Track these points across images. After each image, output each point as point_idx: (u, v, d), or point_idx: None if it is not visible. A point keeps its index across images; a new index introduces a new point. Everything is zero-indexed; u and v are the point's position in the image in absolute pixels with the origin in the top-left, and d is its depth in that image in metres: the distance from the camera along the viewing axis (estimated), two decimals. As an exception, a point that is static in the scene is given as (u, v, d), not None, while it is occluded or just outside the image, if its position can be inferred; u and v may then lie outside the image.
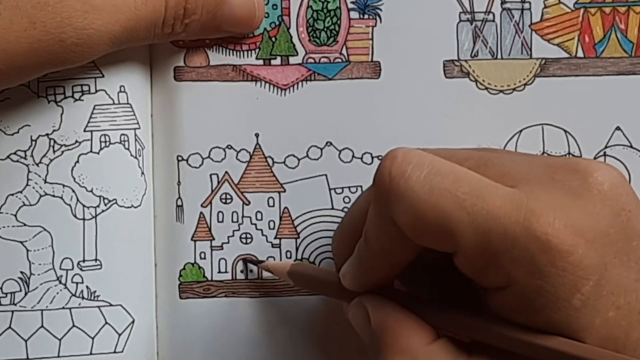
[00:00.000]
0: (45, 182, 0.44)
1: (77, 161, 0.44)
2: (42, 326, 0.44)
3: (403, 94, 0.46)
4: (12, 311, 0.44)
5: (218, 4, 0.43)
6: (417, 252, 0.37)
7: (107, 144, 0.45)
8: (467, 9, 0.46)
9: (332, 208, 0.46)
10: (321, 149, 0.46)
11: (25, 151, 0.44)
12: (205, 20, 0.44)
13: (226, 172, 0.46)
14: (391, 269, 0.39)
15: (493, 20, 0.46)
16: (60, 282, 0.44)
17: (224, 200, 0.46)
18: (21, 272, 0.44)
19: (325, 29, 0.46)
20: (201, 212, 0.46)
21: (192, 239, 0.46)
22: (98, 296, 0.44)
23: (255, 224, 0.46)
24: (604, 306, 0.34)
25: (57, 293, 0.44)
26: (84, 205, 0.44)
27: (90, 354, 0.44)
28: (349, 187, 0.46)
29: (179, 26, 0.43)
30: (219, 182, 0.46)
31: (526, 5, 0.46)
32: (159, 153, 0.46)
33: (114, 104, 0.45)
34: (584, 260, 0.34)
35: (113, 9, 0.41)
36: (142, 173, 0.45)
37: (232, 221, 0.46)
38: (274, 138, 0.46)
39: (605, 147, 0.46)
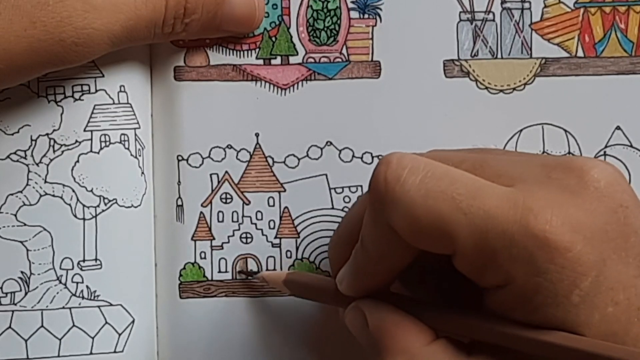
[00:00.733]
0: (45, 181, 0.44)
1: (77, 161, 0.44)
2: (42, 326, 0.44)
3: (403, 93, 0.46)
4: (12, 311, 0.44)
5: (218, 3, 0.43)
6: (414, 255, 0.37)
7: (107, 143, 0.45)
8: (467, 9, 0.46)
9: (332, 208, 0.46)
10: (321, 149, 0.46)
11: (25, 151, 0.44)
12: (205, 20, 0.44)
13: (226, 172, 0.46)
14: (388, 273, 0.39)
15: (493, 20, 0.46)
16: (60, 282, 0.44)
17: (224, 200, 0.46)
18: (21, 272, 0.44)
19: (325, 29, 0.46)
20: (201, 212, 0.46)
21: (192, 239, 0.46)
22: (98, 296, 0.44)
23: (256, 224, 0.46)
24: (603, 302, 0.34)
25: (57, 293, 0.44)
26: (84, 205, 0.44)
27: (90, 353, 0.44)
28: (349, 187, 0.46)
29: (179, 26, 0.43)
30: (219, 182, 0.46)
31: (526, 5, 0.46)
32: (159, 153, 0.46)
33: (114, 103, 0.45)
34: (582, 256, 0.34)
35: (113, 8, 0.41)
36: (142, 173, 0.45)
37: (232, 221, 0.46)
38: (274, 138, 0.46)
39: (606, 146, 0.46)
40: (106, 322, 0.44)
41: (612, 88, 0.46)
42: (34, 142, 0.44)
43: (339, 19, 0.46)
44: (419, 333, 0.37)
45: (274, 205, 0.46)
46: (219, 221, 0.46)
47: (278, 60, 0.46)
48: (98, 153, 0.45)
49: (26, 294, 0.44)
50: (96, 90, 0.45)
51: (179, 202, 0.46)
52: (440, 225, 0.35)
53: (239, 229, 0.46)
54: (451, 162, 0.38)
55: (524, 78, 0.46)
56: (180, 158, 0.46)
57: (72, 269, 0.44)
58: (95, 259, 0.44)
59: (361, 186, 0.46)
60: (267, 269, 0.46)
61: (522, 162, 0.38)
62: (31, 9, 0.40)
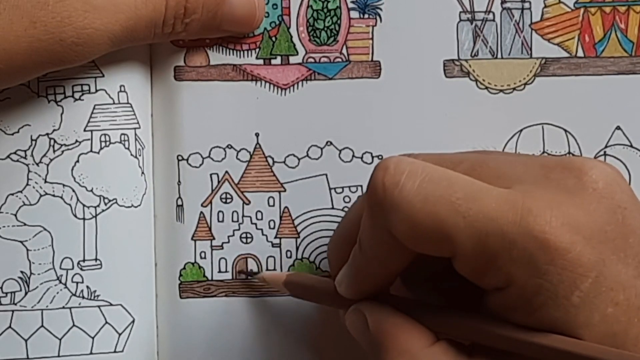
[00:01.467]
0: (46, 181, 0.44)
1: (77, 161, 0.44)
2: (42, 326, 0.44)
3: (403, 93, 0.46)
4: (12, 311, 0.44)
5: (218, 3, 0.43)
6: (413, 258, 0.37)
7: (107, 143, 0.45)
8: (467, 9, 0.46)
9: (333, 208, 0.46)
10: (321, 149, 0.46)
11: (25, 151, 0.44)
12: (205, 20, 0.44)
13: (226, 172, 0.46)
14: (387, 275, 0.39)
15: (493, 20, 0.46)
16: (60, 282, 0.44)
17: (224, 200, 0.46)
18: (21, 272, 0.44)
19: (325, 29, 0.46)
20: (201, 212, 0.46)
21: (192, 239, 0.46)
22: (98, 296, 0.44)
23: (256, 224, 0.46)
24: (603, 302, 0.34)
25: (57, 293, 0.44)
26: (84, 205, 0.44)
27: (91, 353, 0.44)
28: (349, 187, 0.46)
29: (179, 26, 0.43)
30: (219, 182, 0.46)
31: (526, 5, 0.46)
32: (159, 153, 0.46)
33: (114, 103, 0.45)
34: (582, 257, 0.34)
35: (113, 8, 0.41)
36: (142, 173, 0.45)
37: (233, 221, 0.46)
38: (274, 137, 0.46)
39: (606, 146, 0.46)
40: (106, 322, 0.44)
41: (612, 88, 0.46)
42: (34, 142, 0.44)
43: (339, 18, 0.46)
44: (420, 335, 0.37)
45: (274, 205, 0.46)
46: (219, 221, 0.46)
47: (278, 60, 0.46)
48: (98, 153, 0.45)
49: (26, 293, 0.44)
50: (96, 90, 0.45)
51: (179, 202, 0.46)
52: (439, 229, 0.35)
53: (239, 229, 0.46)
54: (450, 163, 0.38)
55: (524, 78, 0.46)
56: (180, 158, 0.46)
57: (72, 268, 0.44)
58: (95, 259, 0.44)
59: (361, 186, 0.46)
60: (267, 269, 0.46)
61: (520, 162, 0.37)
62: (31, 8, 0.40)
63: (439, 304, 0.39)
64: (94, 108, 0.45)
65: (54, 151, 0.44)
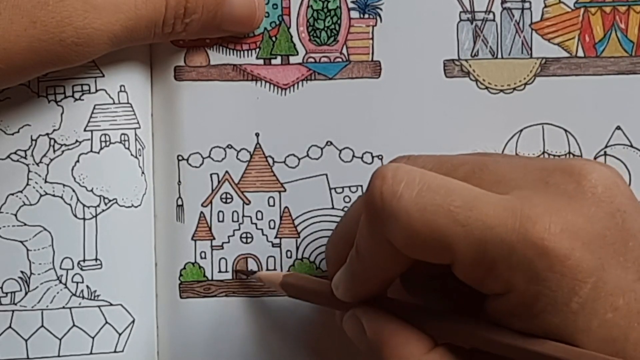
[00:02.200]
0: (46, 181, 0.44)
1: (78, 161, 0.44)
2: (42, 326, 0.44)
3: (403, 93, 0.46)
4: (13, 311, 0.44)
5: (218, 3, 0.43)
6: (410, 264, 0.37)
7: (108, 143, 0.45)
8: (467, 9, 0.46)
9: (333, 207, 0.46)
10: (321, 149, 0.46)
11: (25, 151, 0.44)
12: (205, 20, 0.43)
13: (226, 172, 0.46)
14: (384, 280, 0.39)
15: (493, 20, 0.46)
16: (60, 282, 0.44)
17: (224, 200, 0.46)
18: (21, 272, 0.44)
19: (325, 29, 0.46)
20: (201, 212, 0.46)
21: (192, 239, 0.46)
22: (98, 296, 0.44)
23: (256, 224, 0.46)
24: (602, 308, 0.34)
25: (58, 293, 0.44)
26: (84, 205, 0.44)
27: (91, 353, 0.44)
28: (349, 187, 0.46)
29: (179, 26, 0.43)
30: (219, 182, 0.46)
31: (526, 5, 0.46)
32: (159, 153, 0.46)
33: (114, 103, 0.45)
34: (581, 263, 0.34)
35: (113, 8, 0.41)
36: (143, 173, 0.45)
37: (233, 221, 0.46)
38: (274, 137, 0.46)
39: (606, 146, 0.46)
40: (106, 322, 0.44)
41: (612, 88, 0.46)
42: (34, 142, 0.44)
43: (339, 18, 0.46)
44: (418, 341, 0.37)
45: (274, 205, 0.46)
46: (219, 221, 0.46)
47: (278, 60, 0.46)
48: (98, 153, 0.45)
49: (26, 293, 0.44)
50: (96, 90, 0.45)
51: (179, 202, 0.46)
52: (438, 238, 0.35)
53: (239, 229, 0.46)
54: (450, 165, 0.38)
55: (524, 78, 0.46)
56: (180, 158, 0.46)
57: (72, 268, 0.44)
58: (96, 259, 0.44)
59: (361, 186, 0.46)
60: (267, 269, 0.46)
61: (521, 165, 0.37)
62: (31, 8, 0.40)
63: (437, 309, 0.39)
64: (94, 108, 0.45)
65: (54, 151, 0.44)
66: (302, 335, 0.46)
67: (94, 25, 0.41)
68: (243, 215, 0.46)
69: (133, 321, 0.45)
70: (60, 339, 0.44)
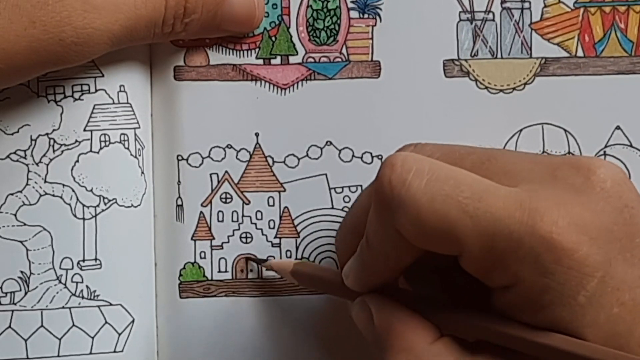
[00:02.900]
0: (45, 181, 0.44)
1: (77, 161, 0.44)
2: (42, 326, 0.44)
3: (403, 93, 0.46)
4: (12, 311, 0.44)
5: (218, 3, 0.43)
6: (420, 253, 0.37)
7: (107, 143, 0.45)
8: (467, 9, 0.46)
9: (332, 207, 0.46)
10: (321, 149, 0.46)
11: (25, 151, 0.44)
12: (205, 20, 0.43)
13: (226, 172, 0.46)
14: (394, 270, 0.39)
15: (493, 20, 0.46)
16: (60, 282, 0.44)
17: (224, 200, 0.46)
18: (21, 272, 0.44)
19: (325, 29, 0.46)
20: (201, 212, 0.46)
21: (192, 239, 0.46)
22: (98, 296, 0.44)
23: (255, 224, 0.46)
24: (609, 302, 0.35)
25: (57, 292, 0.44)
26: (83, 205, 0.44)
27: (90, 353, 0.44)
28: (349, 187, 0.46)
29: (179, 25, 0.43)
30: (219, 182, 0.46)
31: (526, 5, 0.46)
32: (159, 152, 0.46)
33: (113, 103, 0.45)
34: (588, 257, 0.34)
35: (113, 8, 0.41)
36: (142, 172, 0.45)
37: (232, 221, 0.46)
38: (274, 137, 0.46)
39: (605, 146, 0.46)
40: (106, 322, 0.44)
41: (612, 88, 0.46)
42: (33, 142, 0.44)
43: (338, 18, 0.46)
44: (424, 331, 0.37)
45: (273, 205, 0.46)
46: (218, 221, 0.46)
47: (278, 60, 0.46)
48: (98, 153, 0.44)
49: (26, 293, 0.44)
50: (96, 90, 0.45)
51: (179, 202, 0.46)
52: (446, 229, 0.35)
53: (238, 229, 0.46)
54: (458, 154, 0.38)
55: (524, 78, 0.46)
56: (180, 158, 0.46)
57: (72, 268, 0.44)
58: (95, 259, 0.44)
59: (361, 186, 0.46)
60: (267, 269, 0.46)
61: (528, 160, 0.37)
62: (31, 8, 0.40)
63: (444, 300, 0.39)
64: (93, 108, 0.45)
65: (54, 151, 0.44)
66: (302, 335, 0.46)
67: (94, 25, 0.41)
68: (243, 215, 0.46)
69: (133, 321, 0.45)
70: (59, 339, 0.44)
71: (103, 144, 0.45)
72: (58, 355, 0.44)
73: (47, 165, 0.44)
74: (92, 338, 0.44)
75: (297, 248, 0.46)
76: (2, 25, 0.39)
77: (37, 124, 0.44)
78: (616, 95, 0.46)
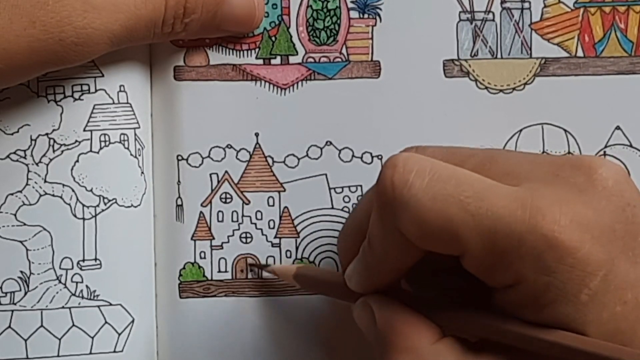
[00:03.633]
0: (45, 181, 0.44)
1: (77, 160, 0.44)
2: (41, 326, 0.44)
3: (403, 93, 0.46)
4: (12, 311, 0.44)
5: (218, 3, 0.43)
6: (422, 254, 0.37)
7: (107, 143, 0.45)
8: (467, 9, 0.46)
9: (332, 207, 0.46)
10: (321, 149, 0.46)
11: (25, 150, 0.44)
12: (205, 20, 0.44)
13: (226, 172, 0.46)
14: (396, 271, 0.39)
15: (493, 20, 0.46)
16: (60, 282, 0.44)
17: (223, 200, 0.46)
18: (21, 272, 0.44)
19: (325, 29, 0.46)
20: (201, 212, 0.46)
21: (192, 239, 0.46)
22: (98, 295, 0.44)
23: (255, 224, 0.46)
24: (611, 301, 0.35)
25: (57, 292, 0.44)
26: (83, 205, 0.44)
27: (90, 353, 0.44)
28: (349, 187, 0.46)
29: (178, 25, 0.43)
30: (218, 182, 0.46)
31: (526, 5, 0.46)
32: (158, 152, 0.46)
33: (113, 103, 0.45)
34: (591, 255, 0.34)
35: (113, 8, 0.41)
36: (142, 172, 0.45)
37: (232, 221, 0.46)
38: (273, 137, 0.46)
39: (605, 146, 0.46)
40: (106, 322, 0.44)
41: (612, 88, 0.46)
42: (33, 142, 0.44)
43: (338, 18, 0.46)
44: (426, 331, 0.37)
45: (273, 205, 0.46)
46: (218, 221, 0.46)
47: (278, 60, 0.46)
48: (98, 153, 0.45)
49: (26, 293, 0.44)
50: (96, 90, 0.45)
51: (179, 202, 0.46)
52: (448, 228, 0.35)
53: (238, 229, 0.46)
54: (460, 156, 0.38)
55: (523, 78, 0.46)
56: (180, 158, 0.46)
57: (72, 268, 0.44)
58: (95, 259, 0.44)
59: (361, 186, 0.46)
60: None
61: (529, 159, 0.38)
62: (31, 8, 0.40)
63: (445, 300, 0.39)
64: (93, 108, 0.45)
65: (54, 151, 0.44)
66: (302, 335, 0.46)
67: (94, 25, 0.41)
68: (242, 215, 0.46)
69: (132, 321, 0.45)
70: (59, 339, 0.44)
71: (103, 144, 0.45)
72: (58, 355, 0.44)
73: (47, 165, 0.44)
74: (92, 338, 0.44)
75: (297, 248, 0.46)
76: (2, 25, 0.39)
77: (37, 124, 0.44)
78: (616, 95, 0.46)
